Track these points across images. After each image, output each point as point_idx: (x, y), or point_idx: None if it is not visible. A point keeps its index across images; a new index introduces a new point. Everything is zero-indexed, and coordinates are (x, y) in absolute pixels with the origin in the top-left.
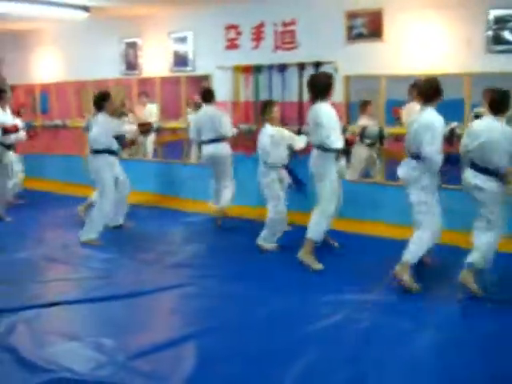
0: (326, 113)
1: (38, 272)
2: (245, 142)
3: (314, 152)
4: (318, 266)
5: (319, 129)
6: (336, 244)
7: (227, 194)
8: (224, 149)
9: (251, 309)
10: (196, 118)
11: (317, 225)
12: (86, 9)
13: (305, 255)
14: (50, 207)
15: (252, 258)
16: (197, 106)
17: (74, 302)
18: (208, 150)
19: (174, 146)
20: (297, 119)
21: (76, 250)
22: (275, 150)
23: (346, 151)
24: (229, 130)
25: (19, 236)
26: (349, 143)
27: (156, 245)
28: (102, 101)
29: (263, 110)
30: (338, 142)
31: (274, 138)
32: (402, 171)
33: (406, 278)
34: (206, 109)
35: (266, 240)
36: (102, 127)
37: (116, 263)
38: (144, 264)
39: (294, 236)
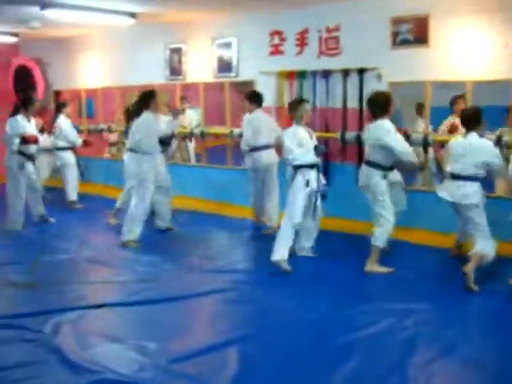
0: (388, 130)
1: (81, 274)
2: None
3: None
4: (387, 270)
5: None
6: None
7: (274, 209)
8: (275, 156)
9: (294, 315)
10: (251, 122)
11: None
12: (132, 15)
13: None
14: (94, 210)
15: (294, 263)
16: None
17: (117, 305)
18: (263, 157)
19: (217, 151)
20: (340, 126)
21: (119, 253)
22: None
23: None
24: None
25: (63, 238)
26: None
27: (199, 249)
28: (148, 98)
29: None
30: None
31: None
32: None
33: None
34: (260, 113)
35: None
36: (147, 126)
37: (159, 267)
38: (187, 268)
39: (333, 242)
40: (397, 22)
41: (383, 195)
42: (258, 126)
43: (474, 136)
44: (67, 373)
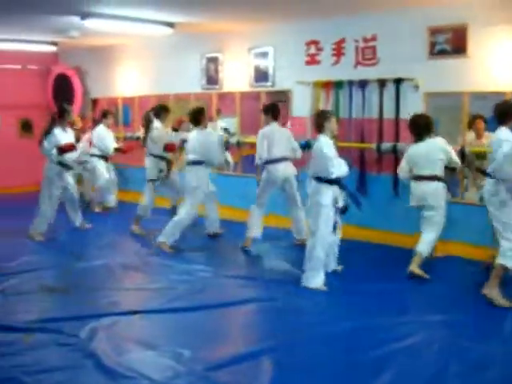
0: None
1: (116, 280)
2: None
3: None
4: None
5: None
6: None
7: (301, 221)
8: (292, 169)
9: (329, 326)
10: (265, 135)
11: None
12: (170, 25)
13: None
14: (128, 217)
15: (332, 273)
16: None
17: (152, 312)
18: (279, 170)
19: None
20: (376, 136)
21: (154, 260)
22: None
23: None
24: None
25: (99, 244)
26: None
27: (235, 258)
28: (199, 114)
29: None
30: None
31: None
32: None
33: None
34: (275, 126)
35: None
36: (199, 141)
37: (194, 274)
38: (222, 276)
39: (368, 253)
40: (434, 31)
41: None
42: (272, 138)
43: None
44: (103, 378)
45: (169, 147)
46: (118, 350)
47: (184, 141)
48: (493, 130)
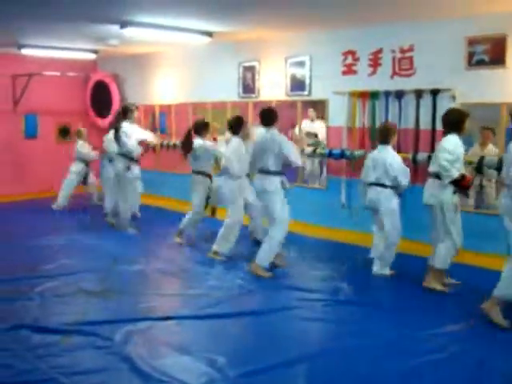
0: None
1: (152, 285)
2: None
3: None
4: (444, 288)
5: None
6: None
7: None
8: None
9: (363, 336)
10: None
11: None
12: (208, 34)
13: (431, 283)
14: (166, 223)
15: (366, 284)
16: None
17: (187, 318)
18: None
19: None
20: (413, 147)
21: (191, 266)
22: None
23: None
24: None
25: (136, 248)
26: (465, 183)
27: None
28: (237, 125)
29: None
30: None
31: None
32: None
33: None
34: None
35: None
36: (236, 151)
37: (231, 281)
38: (259, 284)
39: (407, 265)
40: (472, 42)
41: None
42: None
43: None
44: (138, 381)
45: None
46: (153, 355)
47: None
48: None
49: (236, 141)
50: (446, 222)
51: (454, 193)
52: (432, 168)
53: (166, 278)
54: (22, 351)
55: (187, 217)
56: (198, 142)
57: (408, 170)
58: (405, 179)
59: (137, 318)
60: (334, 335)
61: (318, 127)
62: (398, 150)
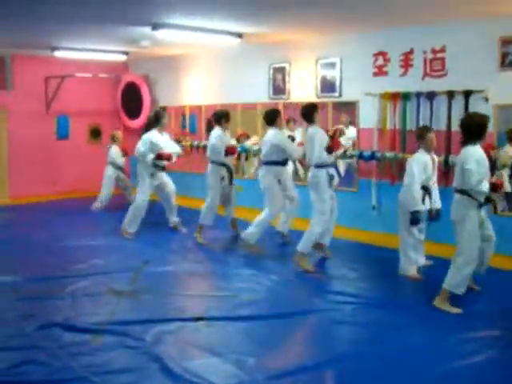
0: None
1: (183, 286)
2: (390, 170)
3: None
4: (456, 311)
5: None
6: (476, 287)
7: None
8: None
9: (395, 340)
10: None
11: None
12: (239, 35)
13: (440, 304)
14: (194, 224)
15: (395, 287)
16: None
17: (217, 319)
18: None
19: None
20: (444, 149)
21: (221, 267)
22: None
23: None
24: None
25: (165, 249)
26: (496, 188)
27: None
28: (273, 117)
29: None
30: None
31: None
32: None
33: None
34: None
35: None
36: (274, 141)
37: (261, 283)
38: (287, 285)
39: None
40: (506, 42)
41: None
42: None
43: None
44: (168, 382)
45: (229, 150)
46: (183, 355)
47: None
48: None
49: (274, 132)
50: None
51: (480, 207)
52: (456, 184)
53: (195, 279)
54: (54, 349)
55: None
56: (216, 132)
57: None
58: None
59: (167, 318)
60: (362, 339)
61: (352, 133)
62: None
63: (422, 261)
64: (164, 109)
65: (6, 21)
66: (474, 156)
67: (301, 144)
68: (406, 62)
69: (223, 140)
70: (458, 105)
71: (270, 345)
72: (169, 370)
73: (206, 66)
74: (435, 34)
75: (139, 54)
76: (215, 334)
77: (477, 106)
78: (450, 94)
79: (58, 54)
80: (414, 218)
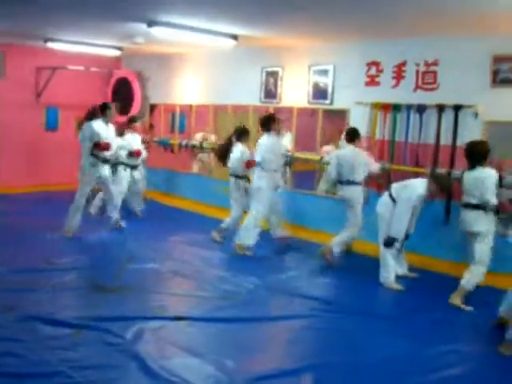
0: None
1: (165, 284)
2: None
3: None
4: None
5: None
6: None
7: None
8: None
9: (372, 349)
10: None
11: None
12: (234, 37)
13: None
14: (181, 223)
15: (375, 297)
16: None
17: (198, 319)
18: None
19: (304, 176)
20: (432, 161)
21: (204, 268)
22: None
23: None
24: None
25: (150, 247)
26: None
27: (283, 271)
28: (269, 122)
29: None
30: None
31: None
32: None
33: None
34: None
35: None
36: (270, 147)
37: (242, 286)
38: (270, 290)
39: (420, 280)
40: (498, 60)
41: None
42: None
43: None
44: (146, 380)
45: (249, 164)
46: (163, 354)
47: None
48: None
49: (268, 137)
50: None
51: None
52: (474, 200)
53: (179, 279)
54: (33, 343)
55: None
56: (238, 148)
57: None
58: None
59: (148, 316)
60: (341, 346)
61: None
62: (417, 165)
63: (402, 270)
64: (111, 103)
65: (1, 10)
66: (493, 176)
67: None
68: (399, 74)
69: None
70: (447, 119)
71: (249, 348)
72: (147, 368)
73: (199, 66)
74: (429, 47)
75: (133, 51)
76: (196, 334)
77: (467, 121)
78: (441, 108)
79: (51, 45)
80: (390, 242)
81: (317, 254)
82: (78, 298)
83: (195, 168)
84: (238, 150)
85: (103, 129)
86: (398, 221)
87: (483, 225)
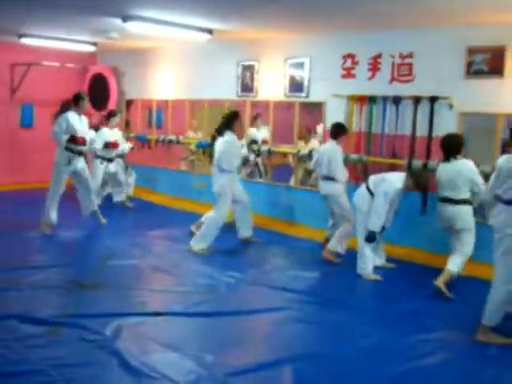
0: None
1: (144, 280)
2: (355, 172)
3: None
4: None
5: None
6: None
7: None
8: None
9: (350, 340)
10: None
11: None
12: (209, 31)
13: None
14: (159, 219)
15: (354, 288)
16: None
17: (177, 314)
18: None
19: (282, 170)
20: (408, 153)
21: (183, 263)
22: None
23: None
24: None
25: (130, 243)
26: None
27: (262, 265)
28: (231, 120)
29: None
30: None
31: None
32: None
33: None
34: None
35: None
36: (228, 146)
37: (221, 280)
38: (248, 283)
39: (397, 270)
40: (472, 51)
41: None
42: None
43: None
44: (126, 376)
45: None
46: (142, 350)
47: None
48: None
49: (228, 137)
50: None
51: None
52: (452, 194)
53: (157, 274)
54: (10, 341)
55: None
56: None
57: None
58: None
59: (127, 312)
60: (321, 337)
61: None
62: (393, 156)
63: (380, 261)
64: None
65: None
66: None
67: None
68: (374, 66)
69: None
70: (423, 110)
71: (229, 342)
72: (127, 364)
73: (175, 61)
74: (404, 39)
75: (108, 46)
76: (175, 329)
77: (442, 113)
78: (416, 100)
79: (25, 40)
80: (372, 237)
81: (296, 247)
82: (56, 295)
83: (183, 164)
84: (223, 141)
85: (76, 120)
86: (375, 214)
87: (467, 221)
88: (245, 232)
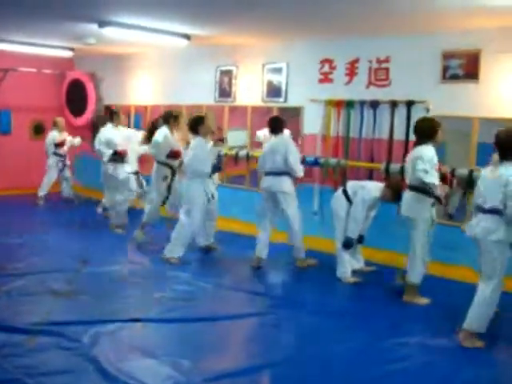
0: (426, 154)
1: (121, 287)
2: (333, 176)
3: (408, 194)
4: (424, 301)
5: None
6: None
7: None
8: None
9: (329, 344)
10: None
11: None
12: (187, 37)
13: (409, 298)
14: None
15: (332, 292)
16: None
17: (154, 320)
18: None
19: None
20: (386, 157)
21: (159, 269)
22: None
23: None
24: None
25: (104, 249)
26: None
27: (237, 270)
28: (196, 124)
29: None
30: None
31: None
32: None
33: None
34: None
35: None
36: (197, 151)
37: (197, 285)
38: (224, 288)
39: (374, 274)
40: (448, 56)
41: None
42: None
43: None
44: (103, 383)
45: (172, 154)
46: (120, 357)
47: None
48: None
49: (197, 141)
50: (416, 236)
51: (433, 205)
52: (409, 181)
53: (134, 280)
54: None
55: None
56: (163, 131)
57: None
58: None
59: (104, 319)
60: (299, 342)
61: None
62: (371, 160)
63: (358, 265)
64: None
65: None
66: (427, 151)
67: None
68: (352, 71)
69: (169, 140)
70: (400, 114)
71: (206, 347)
72: (105, 371)
73: (153, 66)
74: (381, 44)
75: (85, 51)
76: (152, 335)
77: (418, 116)
78: (393, 104)
79: (1, 46)
80: (349, 243)
81: (271, 252)
82: (31, 303)
83: None
84: (161, 134)
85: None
86: (354, 221)
87: (415, 210)
88: (203, 240)
